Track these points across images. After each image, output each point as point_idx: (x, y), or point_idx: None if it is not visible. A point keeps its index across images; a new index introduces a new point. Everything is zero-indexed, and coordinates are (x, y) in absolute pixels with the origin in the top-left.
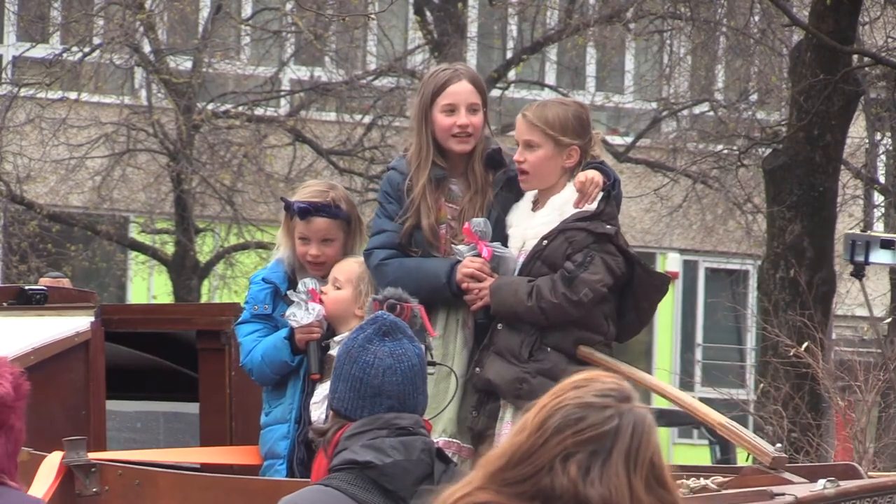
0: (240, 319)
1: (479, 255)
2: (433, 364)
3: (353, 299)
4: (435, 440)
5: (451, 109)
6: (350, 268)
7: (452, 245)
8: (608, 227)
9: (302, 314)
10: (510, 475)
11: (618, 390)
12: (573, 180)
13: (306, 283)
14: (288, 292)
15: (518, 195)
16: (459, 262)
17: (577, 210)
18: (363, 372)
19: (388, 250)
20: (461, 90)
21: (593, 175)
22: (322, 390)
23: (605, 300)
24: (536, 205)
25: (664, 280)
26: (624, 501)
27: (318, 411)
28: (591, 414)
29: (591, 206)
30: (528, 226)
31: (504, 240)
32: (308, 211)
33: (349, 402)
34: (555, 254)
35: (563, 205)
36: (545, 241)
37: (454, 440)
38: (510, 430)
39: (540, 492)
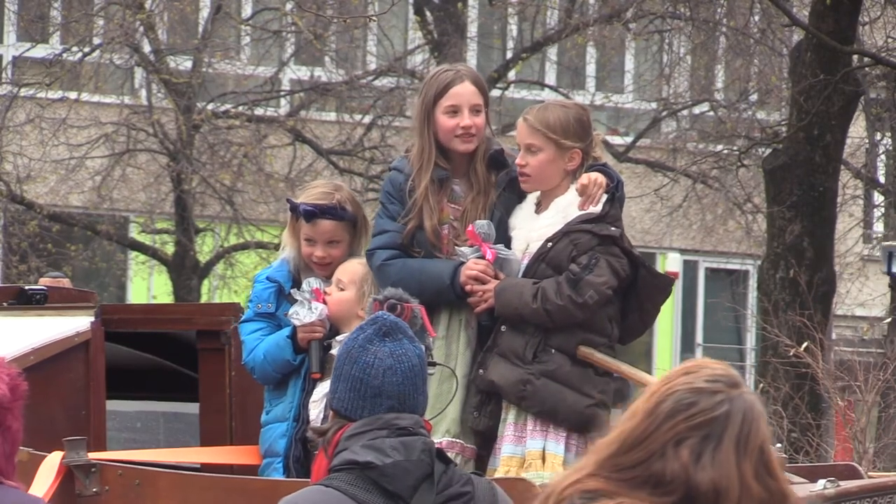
0: (243, 318)
1: (482, 258)
2: (433, 364)
3: (356, 300)
4: (438, 440)
5: (454, 111)
6: (353, 269)
7: (456, 246)
8: (612, 228)
9: (304, 313)
10: (622, 460)
11: (727, 376)
12: (575, 183)
13: (311, 283)
14: (292, 291)
15: (521, 196)
16: (463, 263)
17: (582, 212)
18: (363, 372)
19: (391, 251)
20: (464, 91)
21: (596, 176)
22: (321, 389)
23: (610, 302)
24: (539, 207)
25: (668, 282)
26: (733, 487)
27: (317, 410)
28: (702, 399)
29: (596, 209)
30: (532, 228)
31: (507, 241)
32: (314, 213)
33: (349, 403)
34: (559, 256)
35: (566, 207)
36: (550, 244)
37: (458, 440)
38: (511, 429)
39: (651, 477)
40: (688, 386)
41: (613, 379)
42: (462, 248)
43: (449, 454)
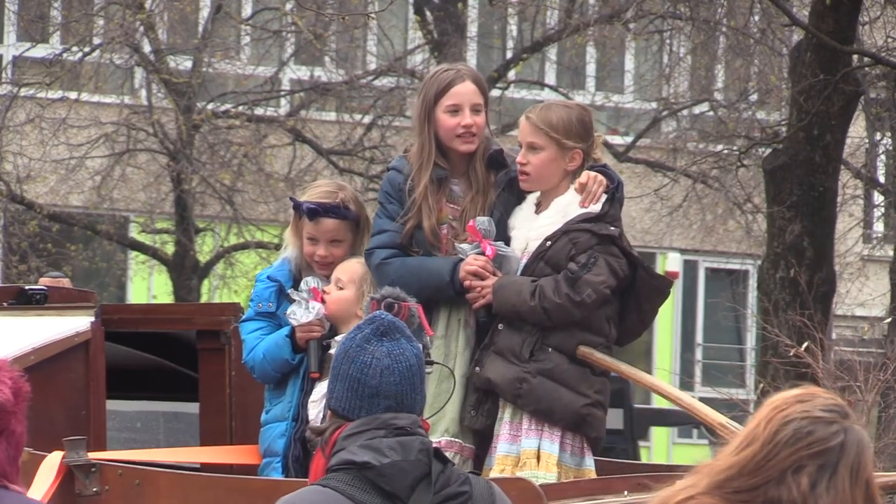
0: (244, 317)
1: (482, 254)
2: (431, 364)
3: (355, 300)
4: (437, 440)
5: (455, 110)
6: (353, 268)
7: (455, 243)
8: (612, 228)
9: (302, 313)
10: (738, 484)
11: (840, 406)
12: (575, 182)
13: (308, 282)
14: (289, 291)
15: (520, 196)
16: (463, 260)
17: (581, 211)
18: (361, 372)
19: (390, 250)
20: (465, 90)
21: (596, 174)
22: (320, 388)
23: (608, 302)
24: (539, 207)
25: (667, 283)
26: None
27: (316, 409)
28: (819, 428)
29: (595, 208)
30: (531, 227)
31: (506, 241)
32: (317, 212)
33: (347, 402)
34: (558, 255)
35: (566, 206)
36: (549, 242)
37: (456, 440)
38: (506, 428)
39: (767, 502)
40: (805, 414)
41: (612, 379)
42: (462, 245)
43: (447, 453)
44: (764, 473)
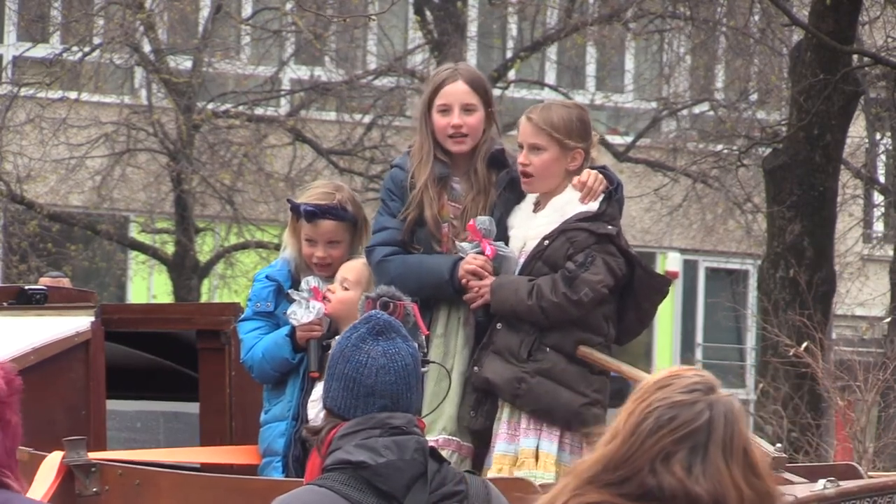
0: (242, 317)
1: (482, 253)
2: (426, 363)
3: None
4: (435, 438)
5: (446, 109)
6: (359, 269)
7: (456, 242)
8: (609, 227)
9: (302, 312)
10: (607, 478)
11: (702, 382)
12: (574, 180)
13: (309, 282)
14: (290, 291)
15: (521, 196)
16: (462, 259)
17: (579, 210)
18: (356, 371)
19: (390, 247)
20: (455, 90)
21: (595, 171)
22: (320, 388)
23: (606, 301)
24: (537, 206)
25: (665, 282)
26: (729, 493)
27: (315, 409)
28: (682, 412)
29: (593, 206)
30: (529, 226)
31: (505, 241)
32: (315, 214)
33: (342, 402)
34: (556, 254)
35: (564, 205)
36: (546, 242)
37: (454, 438)
38: (505, 428)
39: (647, 493)
40: (665, 401)
41: (612, 379)
42: (462, 244)
43: (445, 452)
44: (629, 466)
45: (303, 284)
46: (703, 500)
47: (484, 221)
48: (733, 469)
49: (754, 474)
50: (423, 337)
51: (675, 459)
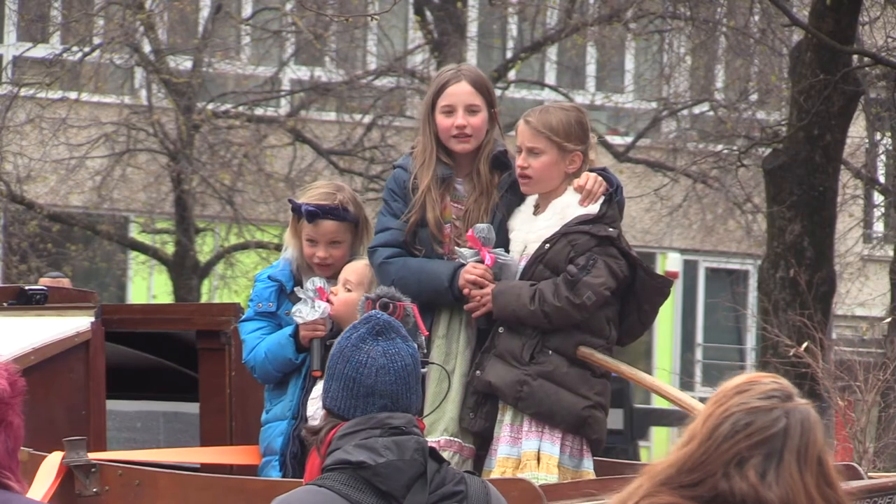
0: (243, 317)
1: (481, 262)
2: (426, 363)
3: None
4: (437, 439)
5: (450, 110)
6: (362, 271)
7: (456, 247)
8: (610, 229)
9: (307, 311)
10: (680, 480)
11: (780, 390)
12: (573, 183)
13: (315, 282)
14: (295, 289)
15: (522, 198)
16: (463, 265)
17: (579, 213)
18: (356, 371)
19: (392, 248)
20: (459, 91)
21: (595, 174)
22: (321, 386)
23: (608, 303)
24: (538, 209)
25: (666, 283)
26: (801, 501)
27: (314, 407)
28: (758, 418)
29: (593, 209)
30: (530, 230)
31: (506, 243)
32: (316, 214)
33: (342, 402)
34: (557, 257)
35: (564, 208)
36: (547, 245)
37: (456, 439)
38: (507, 430)
39: (719, 496)
40: (743, 406)
41: (613, 380)
42: (462, 250)
43: (447, 453)
44: (703, 469)
45: (308, 284)
46: None
47: (482, 230)
48: (806, 477)
49: (827, 484)
50: (423, 337)
51: (750, 464)
